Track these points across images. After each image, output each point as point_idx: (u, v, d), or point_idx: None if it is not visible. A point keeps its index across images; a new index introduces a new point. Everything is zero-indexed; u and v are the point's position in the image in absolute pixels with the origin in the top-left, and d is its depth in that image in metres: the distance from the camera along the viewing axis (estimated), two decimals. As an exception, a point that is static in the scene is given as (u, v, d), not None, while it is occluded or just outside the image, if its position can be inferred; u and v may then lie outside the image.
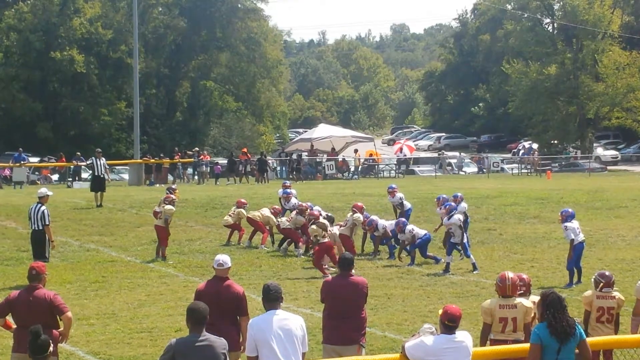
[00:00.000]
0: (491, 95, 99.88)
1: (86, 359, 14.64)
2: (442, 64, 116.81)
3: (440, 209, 24.87)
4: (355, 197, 34.96)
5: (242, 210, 27.37)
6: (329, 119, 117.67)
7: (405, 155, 63.59)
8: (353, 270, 12.60)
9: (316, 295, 15.63)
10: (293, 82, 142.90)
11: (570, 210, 21.85)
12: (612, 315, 12.52)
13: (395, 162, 62.48)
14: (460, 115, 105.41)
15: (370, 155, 62.12)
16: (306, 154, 58.31)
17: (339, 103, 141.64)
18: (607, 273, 12.96)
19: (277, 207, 28.34)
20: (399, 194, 28.37)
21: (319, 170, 57.02)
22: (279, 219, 26.41)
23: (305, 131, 79.03)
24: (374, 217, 25.60)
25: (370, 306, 16.77)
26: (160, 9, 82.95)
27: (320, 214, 24.88)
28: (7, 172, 50.32)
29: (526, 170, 61.03)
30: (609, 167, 66.06)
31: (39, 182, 50.36)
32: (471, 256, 23.03)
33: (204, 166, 53.05)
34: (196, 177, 53.55)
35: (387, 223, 25.12)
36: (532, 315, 11.25)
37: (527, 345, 10.01)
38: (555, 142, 74.75)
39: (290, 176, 53.67)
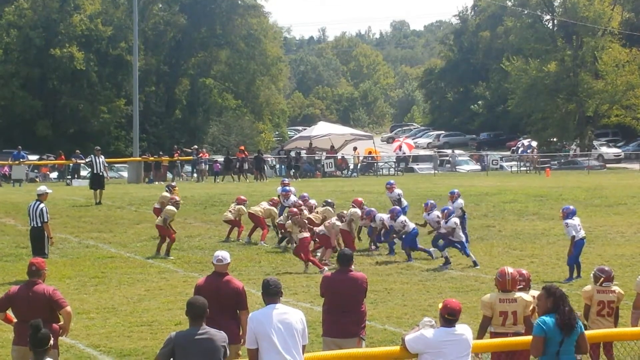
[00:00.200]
0: (491, 92, 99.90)
1: (86, 352, 14.67)
2: (441, 61, 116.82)
3: (428, 214, 24.49)
4: (355, 194, 34.98)
5: (242, 207, 27.39)
6: (328, 117, 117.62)
7: (404, 153, 63.60)
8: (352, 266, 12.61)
9: (315, 290, 15.65)
10: (292, 79, 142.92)
11: (571, 207, 21.89)
12: (612, 309, 12.60)
13: (395, 160, 62.47)
14: (460, 112, 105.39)
15: (370, 153, 62.13)
16: (305, 151, 58.29)
17: (339, 101, 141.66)
18: (606, 268, 13.06)
19: (275, 198, 28.42)
20: (397, 190, 28.37)
21: (318, 167, 57.01)
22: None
23: (305, 129, 79.00)
24: (372, 209, 25.70)
25: (370, 300, 16.82)
26: (160, 6, 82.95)
27: (311, 207, 25.32)
28: (6, 169, 50.31)
29: (525, 168, 61.07)
30: (610, 165, 66.15)
31: (38, 180, 50.38)
32: (470, 254, 23.04)
33: (203, 164, 53.03)
34: (195, 175, 53.53)
35: (385, 216, 25.12)
36: (532, 308, 11.30)
37: (526, 338, 10.05)
38: (555, 139, 74.77)
39: (289, 173, 53.68)
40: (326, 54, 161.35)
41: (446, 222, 23.35)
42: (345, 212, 24.77)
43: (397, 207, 25.54)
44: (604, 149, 73.24)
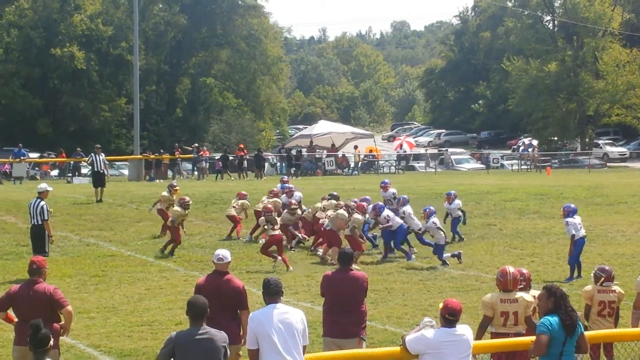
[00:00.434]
0: (491, 92, 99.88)
1: (87, 352, 14.66)
2: (442, 61, 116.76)
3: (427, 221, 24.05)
4: (355, 192, 34.95)
5: (246, 201, 27.30)
6: (329, 116, 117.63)
7: (405, 152, 63.60)
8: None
9: (316, 289, 15.64)
10: (293, 79, 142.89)
11: (572, 205, 21.88)
12: (612, 309, 12.60)
13: (395, 158, 62.48)
14: (461, 112, 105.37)
15: (370, 151, 62.14)
16: (305, 149, 58.31)
17: (339, 100, 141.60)
18: (607, 267, 13.05)
19: (274, 189, 28.44)
20: (391, 189, 28.27)
21: (318, 166, 57.03)
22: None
23: (306, 127, 79.01)
24: (380, 203, 25.69)
25: (371, 300, 16.80)
26: (161, 6, 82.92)
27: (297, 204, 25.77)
28: (7, 167, 50.33)
29: (526, 167, 61.07)
30: (614, 164, 66.14)
31: (38, 178, 50.38)
32: (444, 256, 22.85)
33: (204, 162, 53.03)
34: (196, 173, 53.54)
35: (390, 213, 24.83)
36: (533, 308, 11.29)
37: (527, 339, 10.05)
38: (555, 138, 74.75)
39: (290, 171, 53.69)
40: (327, 54, 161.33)
41: (427, 222, 23.23)
42: (352, 203, 24.70)
43: (381, 203, 25.50)
44: (609, 148, 73.06)
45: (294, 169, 53.93)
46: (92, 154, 36.42)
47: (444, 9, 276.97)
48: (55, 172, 54.51)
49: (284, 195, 27.94)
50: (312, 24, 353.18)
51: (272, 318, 9.56)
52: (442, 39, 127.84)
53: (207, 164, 53.88)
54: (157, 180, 48.55)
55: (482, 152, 71.65)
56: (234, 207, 27.44)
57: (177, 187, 27.95)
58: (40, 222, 21.41)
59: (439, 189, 38.42)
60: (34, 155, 56.31)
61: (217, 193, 36.88)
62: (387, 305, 17.98)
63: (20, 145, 51.76)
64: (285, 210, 25.98)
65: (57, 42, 70.10)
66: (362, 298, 12.19)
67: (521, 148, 67.27)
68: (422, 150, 73.98)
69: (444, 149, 78.56)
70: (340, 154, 59.39)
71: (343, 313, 11.96)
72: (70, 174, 50.64)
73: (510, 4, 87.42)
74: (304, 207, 27.37)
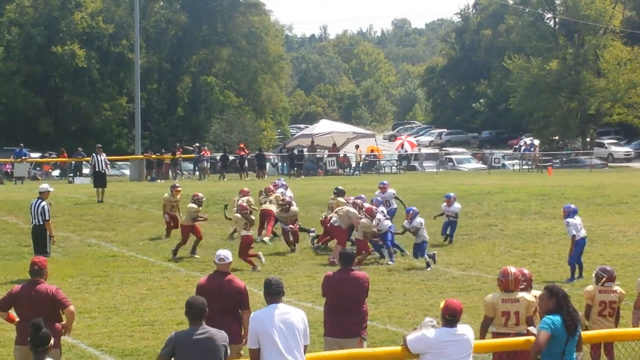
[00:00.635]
0: (492, 90, 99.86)
1: (88, 352, 14.69)
2: (443, 59, 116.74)
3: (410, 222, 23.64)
4: (357, 192, 34.89)
5: (249, 198, 27.25)
6: (330, 115, 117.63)
7: (406, 151, 63.60)
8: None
9: (317, 289, 15.67)
10: (294, 77, 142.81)
11: (572, 206, 21.88)
12: (613, 309, 12.62)
13: (397, 158, 62.48)
14: (462, 111, 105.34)
15: (372, 151, 62.12)
16: (307, 149, 58.29)
17: (340, 98, 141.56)
18: (608, 268, 13.07)
19: (269, 186, 28.41)
20: (390, 190, 28.14)
21: (320, 165, 57.02)
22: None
23: (307, 127, 79.00)
24: (378, 198, 25.63)
25: (372, 300, 16.81)
26: (162, 3, 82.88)
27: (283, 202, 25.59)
28: (8, 167, 50.36)
29: (527, 167, 61.03)
30: (619, 164, 66.10)
31: (40, 178, 50.40)
32: (425, 257, 22.66)
33: (205, 162, 53.02)
34: (197, 173, 53.54)
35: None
36: (534, 309, 11.30)
37: (528, 339, 10.05)
38: (557, 138, 74.73)
39: (292, 172, 53.68)
40: (328, 52, 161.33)
41: (410, 222, 23.01)
42: (358, 200, 24.60)
43: (378, 198, 25.41)
44: (614, 148, 72.92)
45: (297, 169, 53.84)
46: (94, 154, 36.46)
47: (445, 6, 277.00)
48: (56, 172, 54.52)
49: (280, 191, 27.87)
50: (313, 21, 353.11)
51: (273, 318, 9.58)
52: (443, 36, 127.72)
53: (209, 163, 53.86)
54: (159, 180, 48.56)
55: (483, 152, 71.57)
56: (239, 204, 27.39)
57: (179, 188, 27.84)
58: (41, 223, 21.45)
59: (440, 189, 38.39)
60: (35, 155, 56.30)
61: (218, 193, 36.85)
62: (388, 305, 18.00)
63: (22, 145, 51.77)
64: (279, 209, 25.88)
65: (58, 40, 70.08)
66: (363, 298, 12.21)
67: (522, 148, 67.24)
68: (423, 150, 73.92)
69: (444, 149, 78.48)
70: (341, 153, 59.38)
71: (344, 313, 11.98)
72: (71, 174, 50.63)
73: (511, 2, 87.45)
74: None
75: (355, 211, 23.31)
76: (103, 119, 72.44)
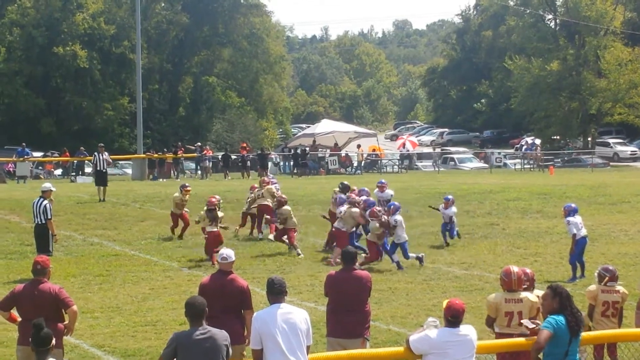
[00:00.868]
0: (494, 91, 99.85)
1: (91, 352, 14.68)
2: (444, 59, 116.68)
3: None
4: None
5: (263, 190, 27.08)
6: (331, 115, 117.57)
7: (408, 151, 63.59)
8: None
9: (320, 289, 15.66)
10: (296, 77, 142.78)
11: (573, 205, 21.88)
12: (616, 309, 12.59)
13: (398, 157, 62.47)
14: (463, 110, 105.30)
15: (373, 150, 62.11)
16: (308, 149, 58.28)
17: (342, 99, 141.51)
18: (611, 267, 13.04)
19: (264, 182, 28.38)
20: (388, 190, 27.97)
21: (321, 165, 57.03)
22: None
23: (308, 126, 78.98)
24: (371, 199, 25.48)
25: (374, 300, 16.79)
26: (163, 5, 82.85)
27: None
28: (10, 166, 50.38)
29: (529, 166, 61.01)
30: (626, 164, 66.06)
31: (42, 177, 50.43)
32: (393, 257, 22.40)
33: (207, 161, 53.02)
34: (199, 172, 53.55)
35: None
36: (537, 309, 11.28)
37: (531, 339, 10.04)
38: (558, 137, 74.72)
39: (294, 171, 53.68)
40: (329, 53, 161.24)
41: (393, 219, 22.59)
42: (355, 196, 24.36)
43: (372, 199, 25.13)
44: (619, 147, 72.73)
45: (299, 168, 53.77)
46: (96, 153, 36.52)
47: (446, 7, 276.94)
48: (58, 172, 54.56)
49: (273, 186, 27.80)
50: (314, 22, 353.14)
51: (276, 318, 9.58)
52: (444, 37, 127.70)
53: (211, 162, 53.87)
54: (161, 180, 48.58)
55: (485, 151, 71.56)
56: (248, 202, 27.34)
57: (189, 188, 27.56)
58: (43, 222, 21.47)
59: (442, 188, 38.44)
60: (37, 154, 56.31)
61: (220, 192, 36.71)
62: (391, 305, 17.99)
63: (24, 144, 51.80)
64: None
65: (60, 41, 70.13)
66: (365, 298, 12.21)
67: (524, 147, 67.19)
68: (424, 150, 73.92)
69: (445, 148, 78.42)
70: (343, 153, 59.39)
71: (347, 313, 11.98)
72: (73, 173, 50.66)
73: (512, 3, 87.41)
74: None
75: (357, 210, 23.22)
76: (105, 118, 72.47)
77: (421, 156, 67.08)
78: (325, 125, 64.62)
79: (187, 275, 21.40)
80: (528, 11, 77.91)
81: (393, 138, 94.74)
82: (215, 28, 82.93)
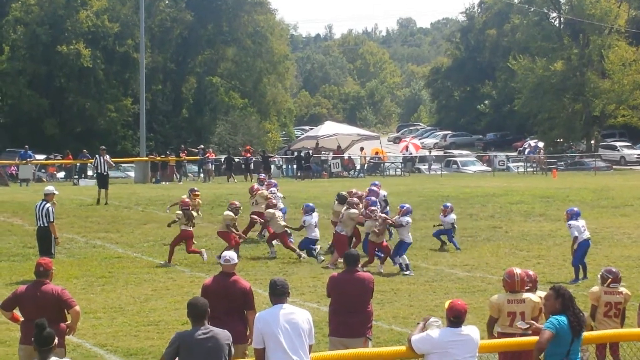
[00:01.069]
0: (497, 92, 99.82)
1: (93, 351, 14.72)
2: (448, 59, 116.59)
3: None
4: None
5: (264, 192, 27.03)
6: (335, 116, 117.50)
7: (411, 154, 63.60)
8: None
9: (322, 290, 15.65)
10: (299, 77, 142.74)
11: (575, 209, 21.92)
12: (619, 310, 12.64)
13: (401, 160, 62.49)
14: (466, 112, 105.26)
15: (376, 153, 62.11)
16: (312, 151, 58.29)
17: (345, 100, 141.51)
18: (614, 269, 13.09)
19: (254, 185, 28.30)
20: (382, 191, 27.73)
21: (324, 168, 57.03)
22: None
23: (312, 129, 78.94)
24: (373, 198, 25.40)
25: (377, 301, 16.82)
26: (167, 2, 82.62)
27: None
28: (13, 169, 50.41)
29: (532, 169, 60.99)
30: (634, 167, 66.05)
31: (45, 180, 50.43)
32: (399, 259, 22.34)
33: (210, 164, 53.03)
34: (202, 175, 53.56)
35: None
36: (540, 309, 11.29)
37: (533, 339, 10.06)
38: (561, 140, 74.69)
39: (297, 174, 53.69)
40: (332, 52, 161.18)
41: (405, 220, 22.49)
42: (355, 199, 24.26)
43: (373, 198, 24.98)
44: (627, 151, 72.58)
45: (303, 171, 53.76)
46: (97, 156, 36.54)
47: (450, 6, 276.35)
48: (61, 174, 54.56)
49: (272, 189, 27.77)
50: (318, 20, 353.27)
51: (278, 318, 9.61)
52: (448, 36, 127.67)
53: (213, 165, 53.88)
54: (163, 182, 48.58)
55: (488, 154, 71.52)
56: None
57: (198, 192, 27.26)
58: (46, 224, 21.47)
59: (444, 191, 38.47)
60: (40, 156, 56.32)
61: (223, 195, 36.89)
62: (393, 306, 18.01)
63: (27, 147, 51.82)
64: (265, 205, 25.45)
65: (64, 39, 69.95)
66: (368, 299, 12.23)
67: (527, 150, 67.18)
68: (427, 153, 73.89)
69: (447, 151, 78.42)
70: (346, 156, 59.38)
71: (349, 314, 12.00)
72: (76, 176, 50.69)
73: (516, 1, 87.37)
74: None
75: (355, 210, 23.20)
76: (108, 120, 72.38)
77: (423, 159, 67.04)
78: (328, 128, 64.56)
79: (190, 277, 21.41)
80: (532, 9, 77.89)
81: (396, 141, 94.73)
82: (219, 26, 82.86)
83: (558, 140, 74.55)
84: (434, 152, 74.22)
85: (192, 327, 9.23)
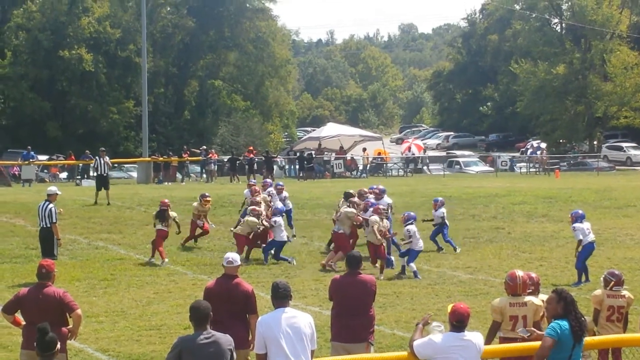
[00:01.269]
0: (499, 94, 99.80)
1: (95, 356, 14.67)
2: (450, 63, 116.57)
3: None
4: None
5: (265, 195, 26.94)
6: (337, 118, 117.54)
7: (413, 154, 63.58)
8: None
9: (324, 293, 15.64)
10: (301, 81, 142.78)
11: (580, 211, 21.83)
12: (621, 314, 12.53)
13: (404, 161, 62.47)
14: (469, 114, 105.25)
15: (379, 153, 62.10)
16: (314, 152, 58.27)
17: (347, 102, 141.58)
18: (617, 272, 12.96)
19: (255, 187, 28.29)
20: (386, 199, 27.62)
21: (327, 168, 57.03)
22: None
23: (314, 130, 78.94)
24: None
25: (379, 304, 16.79)
26: (169, 9, 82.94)
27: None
28: (16, 170, 50.43)
29: (534, 169, 60.96)
30: (635, 167, 66.00)
31: (47, 180, 50.44)
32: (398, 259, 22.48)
33: (212, 164, 53.04)
34: (204, 176, 53.57)
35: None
36: (542, 313, 11.25)
37: (535, 344, 10.02)
38: (564, 141, 74.68)
39: (300, 175, 53.67)
40: (334, 57, 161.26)
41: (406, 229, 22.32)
42: (355, 198, 24.25)
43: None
44: (633, 151, 72.39)
45: (306, 172, 53.73)
46: (97, 157, 36.57)
47: (452, 11, 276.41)
48: (64, 175, 54.60)
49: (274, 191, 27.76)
50: (320, 26, 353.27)
51: (280, 322, 9.58)
52: (450, 41, 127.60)
53: (216, 166, 53.90)
54: (166, 183, 48.59)
55: (491, 154, 71.48)
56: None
57: (209, 198, 27.07)
58: (48, 225, 21.49)
59: (447, 192, 38.39)
60: (42, 157, 56.35)
61: (225, 196, 36.84)
62: (395, 310, 17.97)
63: (29, 147, 51.86)
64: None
65: (65, 45, 70.24)
66: (370, 302, 12.18)
67: (530, 151, 67.13)
68: (429, 153, 73.84)
69: (450, 151, 78.33)
70: (348, 156, 59.37)
71: (351, 317, 11.96)
72: (79, 177, 50.73)
73: (517, 7, 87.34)
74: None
75: (353, 209, 23.18)
76: (110, 122, 72.52)
77: (424, 160, 66.97)
78: (330, 129, 64.57)
79: (192, 280, 21.38)
80: (534, 15, 77.89)
81: (399, 142, 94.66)
82: (221, 32, 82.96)
83: (560, 141, 74.54)
84: (431, 153, 74.08)
85: (194, 332, 9.20)
